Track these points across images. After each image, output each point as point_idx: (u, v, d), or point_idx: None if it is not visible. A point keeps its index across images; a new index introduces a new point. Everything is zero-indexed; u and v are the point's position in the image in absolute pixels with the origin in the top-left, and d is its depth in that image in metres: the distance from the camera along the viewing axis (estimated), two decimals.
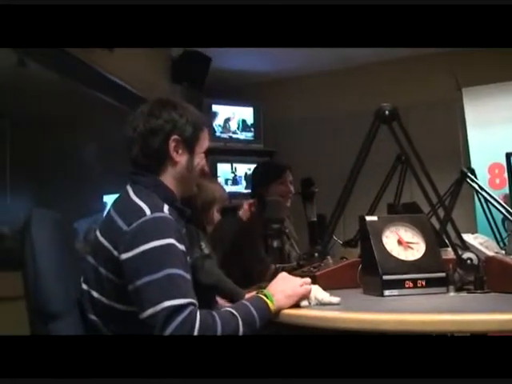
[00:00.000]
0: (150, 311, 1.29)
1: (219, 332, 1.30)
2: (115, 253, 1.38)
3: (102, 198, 3.76)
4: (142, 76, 3.69)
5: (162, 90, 4.10)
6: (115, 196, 1.57)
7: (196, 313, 1.30)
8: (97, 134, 3.45)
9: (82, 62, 2.98)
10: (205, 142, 1.60)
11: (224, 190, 2.28)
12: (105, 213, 1.53)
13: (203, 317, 1.30)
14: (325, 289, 1.75)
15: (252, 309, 1.37)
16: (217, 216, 2.17)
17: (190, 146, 1.54)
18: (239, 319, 1.34)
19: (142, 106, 1.56)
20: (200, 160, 1.59)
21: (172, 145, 1.51)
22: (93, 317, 1.44)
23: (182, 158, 1.53)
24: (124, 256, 1.35)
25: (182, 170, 1.54)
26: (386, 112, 1.78)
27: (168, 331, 1.26)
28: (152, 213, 1.39)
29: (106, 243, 1.42)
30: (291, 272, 2.05)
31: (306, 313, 1.37)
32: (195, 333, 1.26)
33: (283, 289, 1.42)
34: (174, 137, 1.51)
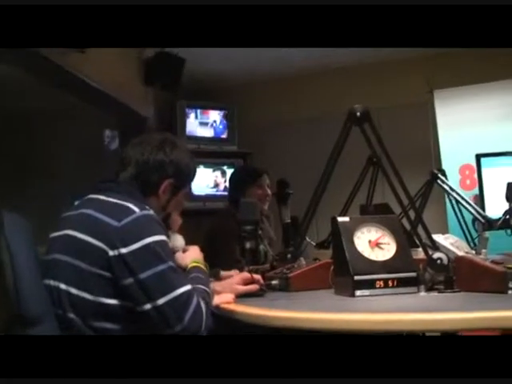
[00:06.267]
0: (162, 300, 1.38)
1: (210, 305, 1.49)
2: (105, 248, 1.41)
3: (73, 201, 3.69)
4: (115, 77, 3.65)
5: (134, 92, 4.06)
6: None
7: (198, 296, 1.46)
8: (67, 136, 3.40)
9: (53, 63, 2.94)
10: (187, 190, 1.76)
11: None
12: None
13: (202, 296, 1.47)
14: (298, 290, 1.76)
15: (206, 279, 1.62)
16: (178, 219, 2.14)
17: (176, 191, 1.67)
18: (210, 292, 1.56)
19: (155, 134, 1.70)
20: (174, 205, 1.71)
21: (164, 184, 1.62)
22: (71, 315, 1.42)
23: (163, 197, 1.65)
24: (124, 250, 1.39)
25: (156, 207, 1.62)
26: (358, 113, 1.79)
27: (187, 317, 1.38)
28: (141, 210, 1.46)
29: (90, 239, 1.43)
30: (265, 274, 2.05)
31: (278, 314, 1.36)
32: (204, 313, 1.42)
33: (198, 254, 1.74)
34: (170, 180, 1.63)
